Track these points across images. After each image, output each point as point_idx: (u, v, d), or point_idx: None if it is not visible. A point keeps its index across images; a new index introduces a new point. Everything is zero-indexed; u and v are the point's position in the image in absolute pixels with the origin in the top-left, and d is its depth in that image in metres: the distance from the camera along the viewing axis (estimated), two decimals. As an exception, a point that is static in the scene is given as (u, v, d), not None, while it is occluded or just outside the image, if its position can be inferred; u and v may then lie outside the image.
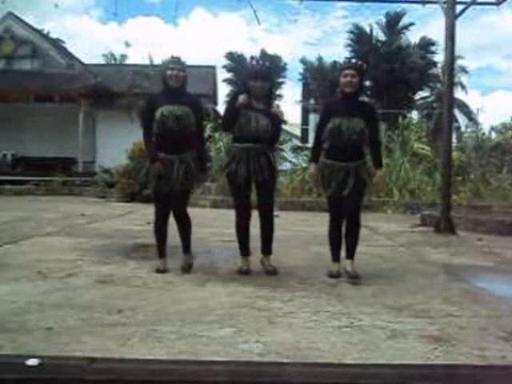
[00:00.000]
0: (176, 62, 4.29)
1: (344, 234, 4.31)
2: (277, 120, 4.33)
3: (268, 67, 4.85)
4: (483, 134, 19.19)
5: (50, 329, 2.69)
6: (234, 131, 4.35)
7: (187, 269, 4.29)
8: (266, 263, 4.36)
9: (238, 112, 4.23)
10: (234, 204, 4.47)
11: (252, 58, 30.77)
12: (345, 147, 4.18)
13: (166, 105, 4.19)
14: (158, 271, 4.26)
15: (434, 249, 6.20)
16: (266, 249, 4.40)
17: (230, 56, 31.56)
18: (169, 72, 4.23)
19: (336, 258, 4.38)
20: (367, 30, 27.52)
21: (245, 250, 4.43)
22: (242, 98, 4.16)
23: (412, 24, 27.60)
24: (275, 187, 4.51)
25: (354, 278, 4.10)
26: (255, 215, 4.41)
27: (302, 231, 7.30)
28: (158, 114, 4.18)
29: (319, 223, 8.99)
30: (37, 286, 3.68)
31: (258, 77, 4.28)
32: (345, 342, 2.62)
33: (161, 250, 4.40)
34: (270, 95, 4.40)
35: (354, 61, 4.71)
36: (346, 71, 4.25)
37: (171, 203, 4.34)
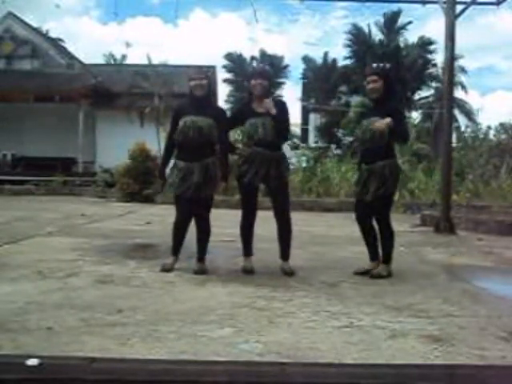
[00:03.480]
0: (198, 72, 4.44)
1: (379, 238, 4.39)
2: (279, 117, 4.32)
3: (267, 68, 5.04)
4: (484, 133, 19.20)
5: (50, 329, 2.69)
6: (244, 140, 4.42)
7: (200, 273, 4.25)
8: (285, 267, 4.35)
9: (239, 122, 4.39)
10: (241, 203, 4.50)
11: (252, 58, 30.80)
12: (368, 148, 4.26)
13: (191, 115, 4.25)
14: (164, 269, 4.26)
15: (433, 249, 6.20)
16: (284, 255, 4.40)
17: (230, 56, 31.58)
18: (192, 83, 4.33)
19: (373, 257, 4.40)
20: (365, 30, 27.59)
21: (248, 249, 4.45)
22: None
23: (410, 22, 27.66)
24: (287, 190, 4.50)
25: (376, 277, 4.21)
26: (260, 216, 4.42)
27: (301, 231, 7.28)
28: (181, 123, 4.25)
29: (319, 223, 8.99)
30: (37, 286, 3.68)
31: (256, 75, 4.40)
32: (345, 342, 2.62)
33: (175, 248, 4.39)
34: (268, 94, 4.44)
35: (374, 65, 4.70)
36: (368, 78, 4.31)
37: (193, 209, 4.35)
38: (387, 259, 4.34)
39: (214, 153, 4.37)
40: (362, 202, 4.35)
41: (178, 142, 4.31)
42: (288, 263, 4.37)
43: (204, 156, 4.25)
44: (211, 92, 4.52)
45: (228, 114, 4.82)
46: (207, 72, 4.58)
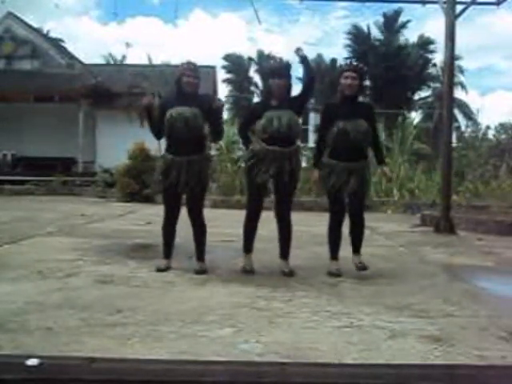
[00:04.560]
0: (193, 69, 4.32)
1: (349, 233, 4.43)
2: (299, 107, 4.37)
3: (285, 63, 4.73)
4: (483, 133, 19.21)
5: (50, 329, 2.69)
6: (258, 134, 4.32)
7: (201, 273, 4.26)
8: (284, 266, 4.36)
9: (257, 117, 4.29)
10: (247, 203, 4.50)
11: (249, 59, 30.80)
12: (350, 148, 4.24)
13: (176, 106, 4.23)
14: (159, 270, 4.27)
15: (433, 249, 6.20)
16: (284, 253, 4.41)
17: (228, 58, 31.64)
18: (185, 79, 4.26)
19: (335, 256, 4.42)
20: (365, 30, 27.67)
21: (248, 246, 4.44)
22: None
23: (409, 21, 27.74)
24: (294, 192, 4.52)
25: (363, 269, 4.26)
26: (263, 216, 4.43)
27: (301, 231, 7.28)
28: (167, 115, 4.23)
29: (319, 223, 8.98)
30: (37, 286, 3.68)
31: (274, 74, 4.30)
32: (345, 342, 2.62)
33: (166, 252, 4.42)
34: (289, 90, 4.36)
35: (354, 63, 4.75)
36: (347, 73, 4.28)
37: (180, 206, 4.38)
38: (359, 249, 4.41)
39: (204, 148, 4.35)
40: (339, 199, 4.36)
41: (167, 134, 4.30)
42: (287, 263, 4.38)
43: (191, 151, 4.22)
44: (199, 88, 4.45)
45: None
46: (199, 70, 4.45)
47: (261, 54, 32.02)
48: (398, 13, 27.00)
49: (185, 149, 4.21)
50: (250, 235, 4.43)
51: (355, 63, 4.57)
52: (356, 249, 4.41)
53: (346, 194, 4.35)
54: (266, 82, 4.41)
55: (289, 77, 4.33)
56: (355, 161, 4.26)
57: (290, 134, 4.22)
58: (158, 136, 4.48)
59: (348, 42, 27.89)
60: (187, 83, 4.26)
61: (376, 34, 28.05)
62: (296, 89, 4.48)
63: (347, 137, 4.19)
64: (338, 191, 4.31)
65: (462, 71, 28.26)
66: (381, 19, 27.73)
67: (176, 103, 4.27)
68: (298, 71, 4.87)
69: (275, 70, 4.35)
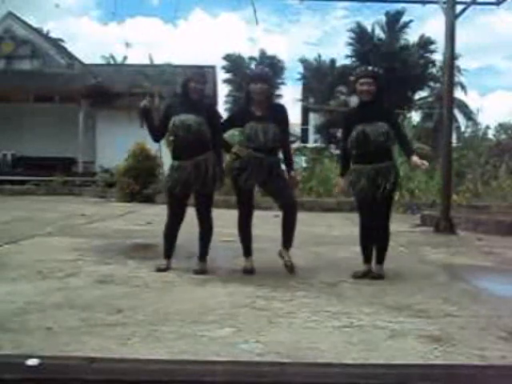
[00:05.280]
0: (202, 75, 4.36)
1: (374, 240, 4.35)
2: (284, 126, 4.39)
3: (267, 70, 4.81)
4: (483, 133, 19.21)
5: (50, 329, 2.69)
6: (243, 143, 4.37)
7: (201, 273, 4.25)
8: (286, 258, 4.29)
9: (236, 125, 4.39)
10: (237, 204, 4.49)
11: (250, 58, 30.80)
12: (372, 151, 4.18)
13: (180, 114, 4.23)
14: (159, 270, 4.27)
15: (433, 249, 6.20)
16: (287, 242, 4.33)
17: (228, 58, 31.65)
18: (193, 85, 4.25)
19: (364, 258, 4.36)
20: (368, 29, 27.63)
21: (247, 249, 4.44)
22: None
23: (411, 21, 27.73)
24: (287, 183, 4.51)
25: (377, 278, 4.20)
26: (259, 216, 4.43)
27: (301, 231, 7.27)
28: (171, 123, 4.24)
29: (319, 223, 8.99)
30: (37, 286, 3.68)
31: (256, 79, 4.31)
32: (345, 342, 2.62)
33: (167, 252, 4.41)
34: (270, 98, 4.40)
35: (370, 68, 4.73)
36: (363, 79, 4.23)
37: (186, 209, 4.39)
38: (383, 259, 4.35)
39: (208, 149, 4.33)
40: (366, 202, 4.28)
41: (172, 140, 4.33)
42: (288, 253, 4.31)
43: (195, 153, 4.23)
44: (205, 94, 4.49)
45: (220, 111, 4.80)
46: (206, 75, 4.50)
47: (263, 53, 32.01)
48: (400, 13, 27.00)
49: (189, 153, 4.23)
50: (246, 237, 4.43)
51: (370, 68, 4.51)
52: (378, 260, 4.33)
53: (376, 197, 4.23)
54: (247, 87, 4.41)
55: (270, 84, 4.38)
56: (380, 162, 4.21)
57: (275, 147, 4.31)
58: (157, 139, 4.53)
59: (350, 40, 27.86)
60: (194, 90, 4.25)
61: (377, 33, 28.05)
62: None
63: (367, 139, 4.15)
64: (367, 193, 4.22)
65: (461, 71, 28.24)
66: (383, 19, 27.75)
67: (181, 109, 4.27)
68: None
69: (256, 75, 4.43)
